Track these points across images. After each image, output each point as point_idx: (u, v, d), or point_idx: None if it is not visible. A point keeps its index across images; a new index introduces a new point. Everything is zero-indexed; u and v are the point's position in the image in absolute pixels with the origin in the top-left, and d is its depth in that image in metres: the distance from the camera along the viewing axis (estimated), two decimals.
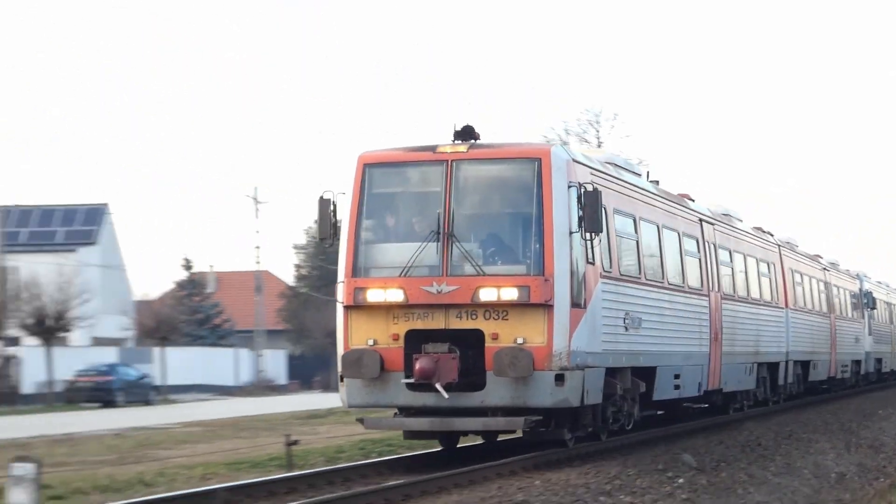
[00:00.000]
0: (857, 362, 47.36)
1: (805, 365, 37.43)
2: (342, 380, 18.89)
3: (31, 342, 74.59)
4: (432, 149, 19.06)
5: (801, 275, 38.31)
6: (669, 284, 24.34)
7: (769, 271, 34.46)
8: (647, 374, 22.91)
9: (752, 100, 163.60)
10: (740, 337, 29.52)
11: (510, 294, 17.91)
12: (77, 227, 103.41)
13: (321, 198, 19.09)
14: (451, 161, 18.68)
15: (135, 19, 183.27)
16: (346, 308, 18.81)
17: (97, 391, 67.12)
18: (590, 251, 19.11)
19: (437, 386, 17.63)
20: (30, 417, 53.05)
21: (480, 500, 15.47)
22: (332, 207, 18.99)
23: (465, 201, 18.90)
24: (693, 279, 26.27)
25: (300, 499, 15.72)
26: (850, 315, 46.55)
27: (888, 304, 58.22)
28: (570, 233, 18.48)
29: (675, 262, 25.13)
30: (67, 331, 74.65)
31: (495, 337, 17.84)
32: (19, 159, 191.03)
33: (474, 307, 18.15)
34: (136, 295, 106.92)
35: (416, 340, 18.40)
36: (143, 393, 71.14)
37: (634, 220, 22.57)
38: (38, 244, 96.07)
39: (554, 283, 18.04)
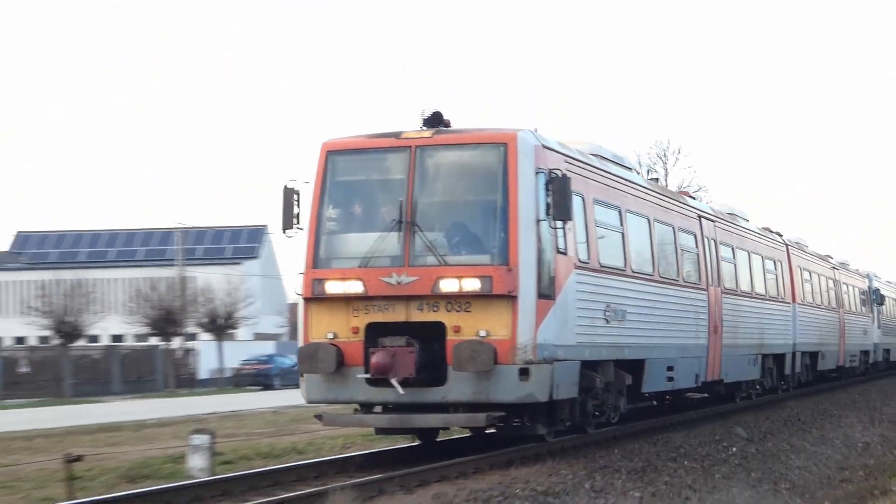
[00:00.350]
0: (866, 352, 44.41)
1: (813, 355, 33.88)
2: (302, 374, 15.49)
3: (205, 337, 74.93)
4: (397, 135, 15.47)
5: (810, 272, 34.46)
6: (661, 278, 19.97)
7: (776, 268, 30.07)
8: (634, 366, 18.74)
9: (761, 107, 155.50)
10: (743, 329, 25.28)
11: (472, 285, 14.32)
12: (242, 244, 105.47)
13: (285, 187, 15.68)
14: (416, 147, 15.11)
15: (135, 19, 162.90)
16: (306, 300, 15.33)
17: (258, 377, 67.52)
18: (561, 240, 15.34)
19: (393, 381, 14.20)
20: (205, 398, 53.04)
21: (569, 466, 15.32)
22: (295, 197, 15.61)
23: (428, 189, 15.28)
24: (690, 273, 21.93)
25: (422, 465, 14.79)
26: (859, 310, 43.21)
27: (895, 299, 55.88)
28: (538, 221, 14.78)
29: (669, 255, 20.97)
30: (235, 328, 74.54)
31: (457, 330, 14.31)
32: (191, 185, 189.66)
33: (435, 299, 14.53)
34: (289, 298, 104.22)
35: (377, 334, 14.73)
36: (295, 378, 72.60)
37: (620, 212, 18.41)
38: (210, 258, 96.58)
39: (518, 273, 14.34)
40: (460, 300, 14.55)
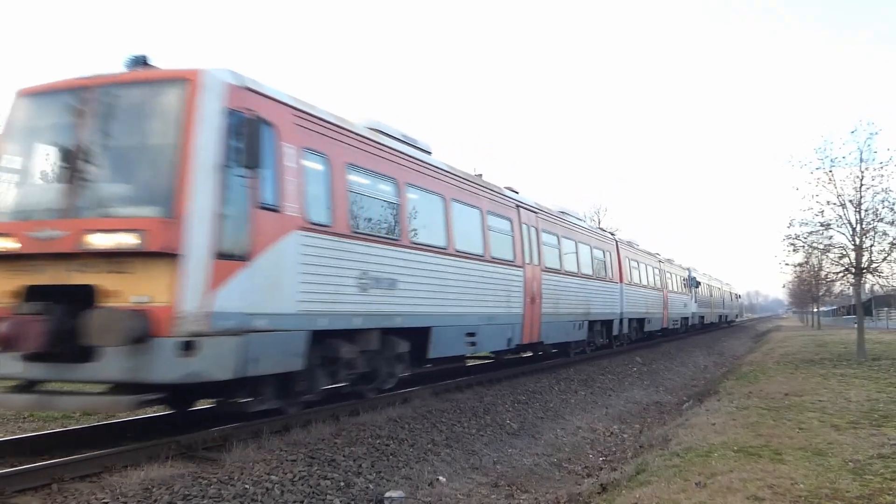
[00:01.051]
0: (686, 318, 48.98)
1: (641, 321, 35.49)
2: None
3: None
4: (86, 77, 11.35)
5: (638, 262, 35.96)
6: (458, 252, 16.95)
7: (605, 257, 29.59)
8: (416, 333, 15.43)
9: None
10: (566, 301, 23.83)
11: (126, 240, 10.04)
12: None
13: None
14: (96, 87, 11.01)
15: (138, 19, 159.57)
16: None
17: None
18: (268, 194, 11.26)
19: (12, 357, 10.21)
20: None
21: (546, 378, 19.64)
22: None
23: (102, 133, 10.92)
24: (503, 251, 19.47)
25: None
26: (680, 290, 47.04)
27: (709, 285, 64.24)
28: (224, 167, 10.60)
29: (473, 234, 18.15)
30: None
31: (115, 294, 10.01)
32: None
33: (89, 257, 10.21)
34: None
35: (39, 298, 10.33)
36: None
37: (397, 185, 14.91)
38: None
39: (186, 227, 10.08)
40: (119, 259, 10.09)
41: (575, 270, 24.90)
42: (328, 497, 9.11)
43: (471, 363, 22.39)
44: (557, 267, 23.09)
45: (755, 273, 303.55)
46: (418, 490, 9.96)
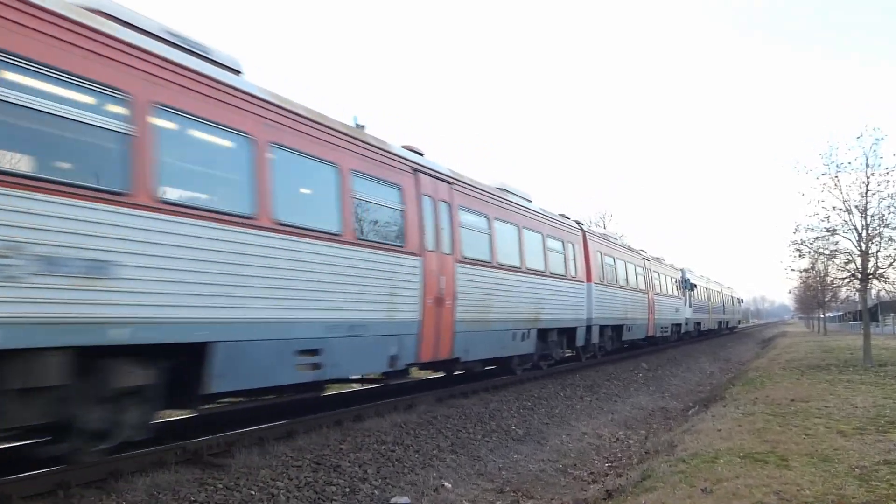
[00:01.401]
0: (678, 325, 44.32)
1: (617, 328, 30.58)
2: None
3: None
4: None
5: (613, 259, 30.71)
6: (281, 226, 11.48)
7: (566, 250, 24.51)
8: (182, 353, 9.82)
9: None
10: (499, 304, 18.85)
11: None
12: None
13: None
14: None
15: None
16: None
17: None
18: None
19: None
20: None
21: (552, 383, 20.81)
22: None
23: None
24: (379, 232, 14.37)
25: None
26: (672, 293, 42.56)
27: (706, 288, 59.77)
28: None
29: (318, 202, 12.98)
30: None
31: None
32: None
33: None
34: None
35: None
36: None
37: (133, 105, 9.33)
38: None
39: None
40: None
41: (517, 264, 20.41)
42: (334, 503, 9.07)
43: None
44: (486, 258, 18.65)
45: (761, 278, 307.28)
46: (424, 496, 10.08)
